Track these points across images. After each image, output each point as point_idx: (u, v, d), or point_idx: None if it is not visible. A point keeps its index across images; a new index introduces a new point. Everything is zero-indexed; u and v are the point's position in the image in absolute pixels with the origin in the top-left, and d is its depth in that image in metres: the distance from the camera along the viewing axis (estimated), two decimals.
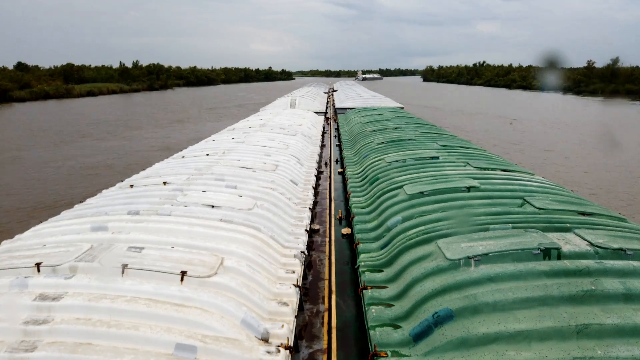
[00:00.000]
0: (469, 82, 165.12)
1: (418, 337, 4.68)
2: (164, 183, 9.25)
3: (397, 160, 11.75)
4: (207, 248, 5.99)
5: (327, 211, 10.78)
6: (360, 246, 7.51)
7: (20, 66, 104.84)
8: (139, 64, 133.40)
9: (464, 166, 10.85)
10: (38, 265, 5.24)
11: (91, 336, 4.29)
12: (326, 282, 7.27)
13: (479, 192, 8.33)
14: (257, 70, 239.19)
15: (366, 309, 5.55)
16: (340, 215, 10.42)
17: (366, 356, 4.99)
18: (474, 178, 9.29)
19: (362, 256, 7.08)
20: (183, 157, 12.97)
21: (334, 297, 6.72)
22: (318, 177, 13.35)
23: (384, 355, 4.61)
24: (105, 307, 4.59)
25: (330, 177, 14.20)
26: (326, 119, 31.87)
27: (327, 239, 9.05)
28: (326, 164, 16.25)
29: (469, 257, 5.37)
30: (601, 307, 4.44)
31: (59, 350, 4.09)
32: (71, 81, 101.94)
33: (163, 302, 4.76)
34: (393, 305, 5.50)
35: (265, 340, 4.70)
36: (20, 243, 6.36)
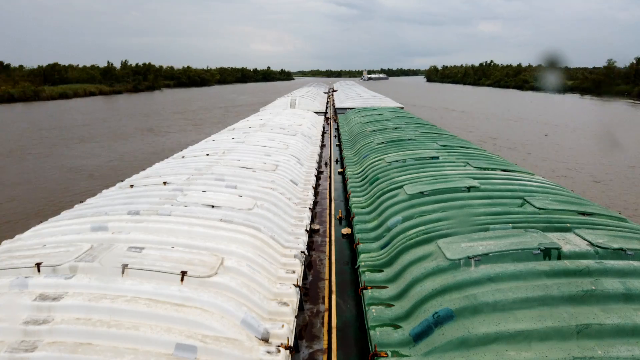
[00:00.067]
0: (475, 83, 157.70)
1: (418, 337, 4.68)
2: (164, 183, 9.25)
3: (397, 160, 11.74)
4: (207, 248, 5.99)
5: (327, 211, 10.78)
6: (360, 246, 7.50)
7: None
8: (128, 64, 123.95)
9: (464, 166, 10.84)
10: (38, 265, 5.24)
11: (91, 336, 4.29)
12: (326, 282, 7.27)
13: (479, 192, 8.33)
14: (255, 70, 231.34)
15: (366, 309, 5.55)
16: (340, 215, 10.42)
17: (366, 356, 4.99)
18: (474, 178, 9.29)
19: (362, 256, 7.08)
20: (183, 157, 12.97)
21: (334, 297, 6.72)
22: (318, 177, 13.36)
23: (384, 355, 4.61)
24: (105, 307, 4.59)
25: (330, 177, 14.20)
26: (326, 119, 31.88)
27: (327, 239, 9.05)
28: (326, 164, 16.25)
29: (469, 257, 5.37)
30: (601, 307, 4.44)
31: (59, 350, 4.08)
32: (51, 82, 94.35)
33: (163, 302, 4.76)
34: (393, 305, 5.50)
35: (266, 340, 4.70)
36: (20, 243, 6.36)
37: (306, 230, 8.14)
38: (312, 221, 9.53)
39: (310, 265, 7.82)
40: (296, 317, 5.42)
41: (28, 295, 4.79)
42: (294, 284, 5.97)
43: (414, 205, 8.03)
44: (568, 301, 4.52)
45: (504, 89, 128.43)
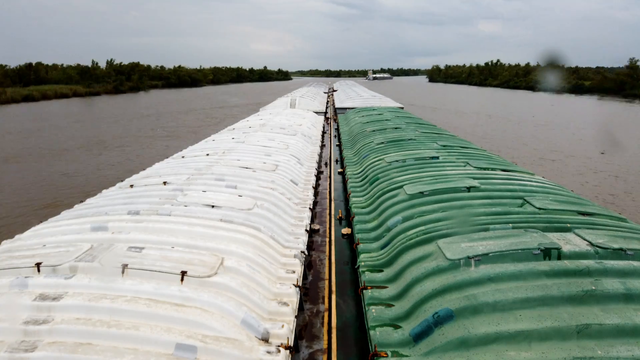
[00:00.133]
0: (482, 83, 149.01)
1: (418, 337, 4.68)
2: (164, 183, 9.25)
3: (397, 160, 11.75)
4: (207, 248, 5.99)
5: (327, 211, 10.78)
6: (360, 246, 7.51)
7: None
8: (114, 63, 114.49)
9: (464, 166, 10.85)
10: (38, 265, 5.24)
11: (91, 336, 4.29)
12: (326, 282, 7.27)
13: (479, 192, 8.33)
14: (251, 70, 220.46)
15: (366, 309, 5.55)
16: (340, 215, 10.42)
17: (366, 356, 4.99)
18: (474, 178, 9.29)
19: (362, 256, 7.08)
20: (183, 157, 12.97)
21: (334, 297, 6.72)
22: (318, 177, 13.35)
23: (384, 355, 4.61)
24: (105, 307, 4.59)
25: (330, 177, 14.20)
26: (326, 119, 31.88)
27: (327, 239, 9.05)
28: (326, 164, 16.25)
29: (469, 257, 5.37)
30: (601, 307, 4.44)
31: (59, 350, 4.08)
32: (24, 83, 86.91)
33: (163, 302, 4.75)
34: (393, 305, 5.50)
35: (266, 340, 4.70)
36: (20, 243, 6.36)
37: (306, 230, 8.14)
38: (312, 221, 9.53)
39: (310, 265, 7.82)
40: (296, 317, 5.42)
41: (28, 295, 4.78)
42: (294, 284, 5.97)
43: (414, 205, 8.03)
44: (568, 301, 4.53)
45: (513, 89, 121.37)
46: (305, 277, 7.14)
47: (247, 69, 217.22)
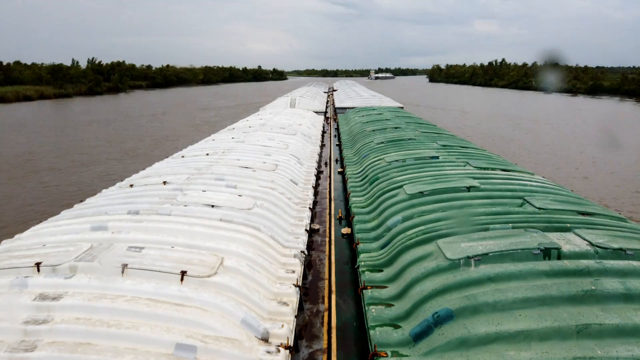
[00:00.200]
0: (486, 84, 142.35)
1: (418, 337, 4.68)
2: (164, 183, 9.25)
3: (397, 160, 11.74)
4: (207, 248, 5.99)
5: (327, 211, 10.78)
6: (360, 246, 7.50)
7: None
8: (96, 62, 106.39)
9: (464, 166, 10.84)
10: (38, 265, 5.24)
11: (91, 336, 4.29)
12: (326, 282, 7.27)
13: (479, 192, 8.33)
14: (245, 70, 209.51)
15: (366, 308, 5.55)
16: (340, 215, 10.42)
17: (366, 356, 4.99)
18: (474, 178, 9.29)
19: (362, 256, 7.08)
20: (183, 156, 12.96)
21: (334, 297, 6.72)
22: (318, 177, 13.36)
23: (384, 355, 4.60)
24: (105, 307, 4.59)
25: (330, 176, 14.20)
26: (326, 118, 31.88)
27: (327, 239, 9.05)
28: (326, 163, 16.25)
29: (469, 257, 5.37)
30: (601, 307, 4.44)
31: (59, 350, 4.08)
32: None
33: (163, 302, 4.75)
34: (393, 305, 5.50)
35: (265, 340, 4.70)
36: (20, 243, 6.36)
37: (306, 230, 8.14)
38: (312, 221, 9.53)
39: (310, 265, 7.82)
40: (296, 317, 5.42)
41: (28, 295, 4.78)
42: (293, 284, 5.97)
43: (414, 205, 8.03)
44: (568, 301, 4.53)
45: (522, 90, 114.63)
46: (305, 277, 7.14)
47: (241, 69, 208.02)
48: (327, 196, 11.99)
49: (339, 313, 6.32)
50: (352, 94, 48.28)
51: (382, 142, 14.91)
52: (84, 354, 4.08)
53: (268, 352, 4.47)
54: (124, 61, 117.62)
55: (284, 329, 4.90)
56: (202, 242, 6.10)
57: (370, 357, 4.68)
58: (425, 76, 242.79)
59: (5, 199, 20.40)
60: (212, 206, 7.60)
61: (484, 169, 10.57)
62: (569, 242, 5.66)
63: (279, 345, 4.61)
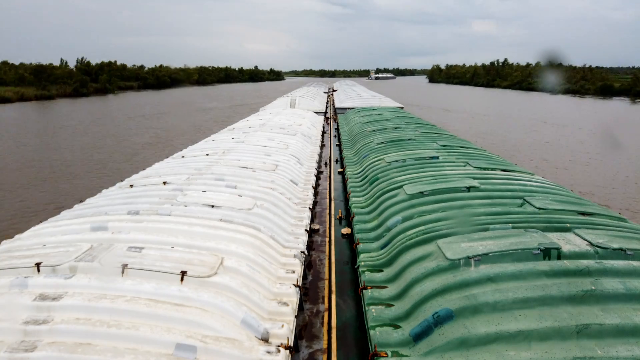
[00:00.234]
0: (489, 84, 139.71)
1: (418, 337, 4.68)
2: (164, 183, 9.25)
3: (397, 160, 11.75)
4: (207, 248, 5.99)
5: (327, 211, 10.78)
6: (360, 246, 7.51)
7: None
8: (85, 61, 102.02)
9: (464, 166, 10.85)
10: (38, 265, 5.24)
11: (91, 336, 4.29)
12: (326, 282, 7.27)
13: (479, 192, 8.33)
14: (241, 70, 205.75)
15: (366, 308, 5.55)
16: (340, 215, 10.42)
17: (366, 356, 4.99)
18: (474, 178, 9.30)
19: (362, 256, 7.08)
20: (183, 157, 12.97)
21: (334, 297, 6.72)
22: (318, 177, 13.36)
23: (384, 355, 4.61)
24: (105, 307, 4.59)
25: (330, 177, 14.20)
26: (326, 118, 31.89)
27: (327, 239, 9.05)
28: (326, 163, 16.25)
29: (469, 257, 5.37)
30: (601, 307, 4.44)
31: (59, 350, 4.08)
32: None
33: (163, 302, 4.75)
34: (393, 305, 5.50)
35: (265, 340, 4.70)
36: (20, 243, 6.36)
37: (306, 230, 8.14)
38: (312, 221, 9.53)
39: (310, 265, 7.82)
40: (296, 317, 5.42)
41: (28, 295, 4.78)
42: (293, 284, 5.97)
43: (414, 205, 8.03)
44: (568, 301, 4.53)
45: (526, 91, 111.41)
46: (305, 277, 7.14)
47: (237, 69, 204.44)
48: (327, 196, 11.99)
49: (339, 313, 6.32)
50: (352, 94, 48.29)
51: (382, 143, 14.91)
52: (84, 354, 4.08)
53: (268, 352, 4.47)
54: (115, 61, 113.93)
55: (284, 329, 4.90)
56: (202, 242, 6.10)
57: (370, 357, 4.68)
58: (425, 76, 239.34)
59: None
60: (212, 206, 7.60)
61: (484, 169, 10.57)
62: (569, 242, 5.66)
63: (279, 346, 4.61)
